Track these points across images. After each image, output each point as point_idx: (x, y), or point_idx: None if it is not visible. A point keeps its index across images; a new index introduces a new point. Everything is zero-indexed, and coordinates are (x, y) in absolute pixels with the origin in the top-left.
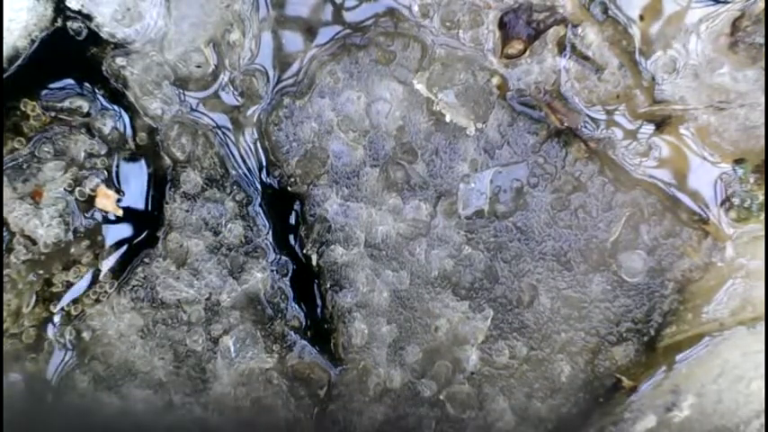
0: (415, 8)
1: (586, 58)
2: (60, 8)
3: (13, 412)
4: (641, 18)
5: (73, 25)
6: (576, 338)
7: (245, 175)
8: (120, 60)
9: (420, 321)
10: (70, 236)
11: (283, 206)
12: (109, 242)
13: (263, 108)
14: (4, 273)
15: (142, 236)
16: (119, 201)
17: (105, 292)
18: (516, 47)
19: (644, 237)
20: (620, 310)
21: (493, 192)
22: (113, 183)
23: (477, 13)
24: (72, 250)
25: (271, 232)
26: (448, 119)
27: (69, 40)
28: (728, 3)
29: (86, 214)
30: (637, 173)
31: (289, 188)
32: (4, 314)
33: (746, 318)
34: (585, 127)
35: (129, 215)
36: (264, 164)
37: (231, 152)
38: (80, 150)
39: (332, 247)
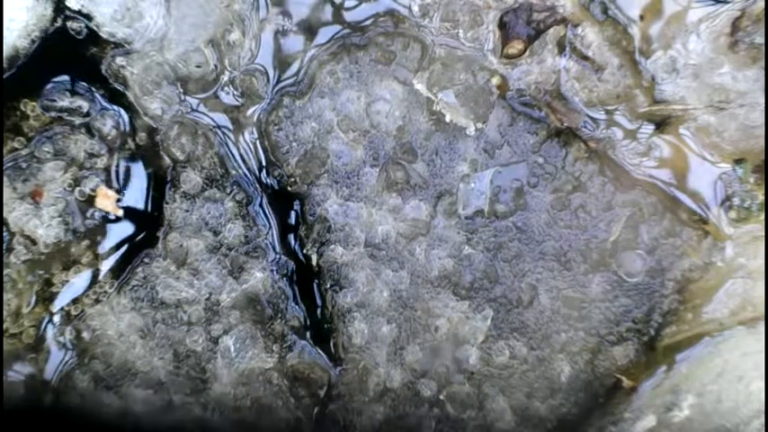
0: (415, 8)
1: (586, 58)
2: (60, 8)
3: (12, 412)
4: (641, 18)
5: (73, 25)
6: (576, 338)
7: (245, 175)
8: (120, 60)
9: (420, 321)
10: (70, 236)
11: (283, 206)
12: (109, 242)
13: (263, 108)
14: (4, 273)
15: (142, 236)
16: (119, 201)
17: (105, 292)
18: (516, 47)
19: (644, 237)
20: (620, 310)
21: (493, 192)
22: (113, 183)
23: (477, 12)
24: (72, 250)
25: (271, 232)
26: (448, 119)
27: (69, 40)
28: (728, 3)
29: (86, 214)
30: (637, 173)
31: (289, 188)
32: (4, 314)
33: (746, 318)
34: (585, 127)
35: (129, 215)
36: (264, 164)
37: (231, 152)
38: (80, 150)
39: (332, 247)
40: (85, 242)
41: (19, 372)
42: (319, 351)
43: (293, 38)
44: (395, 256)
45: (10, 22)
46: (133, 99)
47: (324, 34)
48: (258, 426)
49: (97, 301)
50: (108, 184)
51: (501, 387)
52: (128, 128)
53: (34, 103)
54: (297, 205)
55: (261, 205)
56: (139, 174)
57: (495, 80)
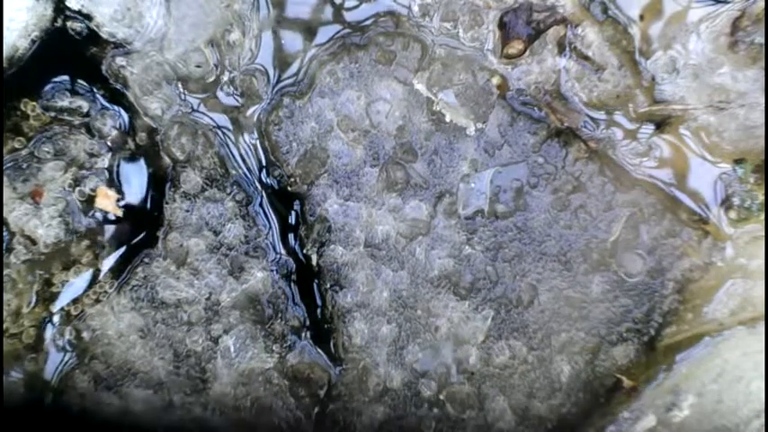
0: (415, 8)
1: (586, 58)
2: (60, 8)
3: (12, 412)
4: (641, 18)
5: (73, 25)
6: (576, 338)
7: (245, 175)
8: (120, 60)
9: (420, 321)
10: (70, 236)
11: (283, 206)
12: (109, 242)
13: (263, 108)
14: (4, 273)
15: (142, 236)
16: (119, 201)
17: (105, 292)
18: (516, 47)
19: (644, 237)
20: (620, 310)
21: (493, 192)
22: (113, 183)
23: (477, 12)
24: (72, 250)
25: (271, 232)
26: (448, 119)
27: (69, 40)
28: (728, 3)
29: (86, 214)
30: (637, 173)
31: (289, 188)
32: (4, 314)
33: (746, 318)
34: (585, 127)
35: (129, 215)
36: (264, 164)
37: (231, 152)
38: (80, 150)
39: (332, 247)
40: (85, 242)
41: (19, 372)
42: (319, 351)
43: (293, 38)
44: (395, 256)
45: (10, 22)
46: (133, 99)
47: (324, 34)
48: (258, 426)
49: (97, 301)
50: (108, 184)
51: (501, 387)
52: (128, 128)
53: (34, 103)
54: (297, 205)
55: (261, 205)
56: (139, 174)
57: (495, 80)
